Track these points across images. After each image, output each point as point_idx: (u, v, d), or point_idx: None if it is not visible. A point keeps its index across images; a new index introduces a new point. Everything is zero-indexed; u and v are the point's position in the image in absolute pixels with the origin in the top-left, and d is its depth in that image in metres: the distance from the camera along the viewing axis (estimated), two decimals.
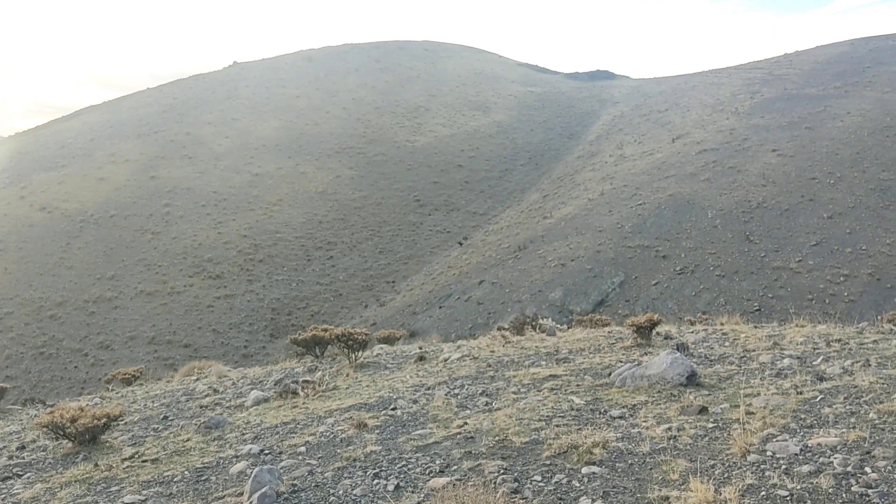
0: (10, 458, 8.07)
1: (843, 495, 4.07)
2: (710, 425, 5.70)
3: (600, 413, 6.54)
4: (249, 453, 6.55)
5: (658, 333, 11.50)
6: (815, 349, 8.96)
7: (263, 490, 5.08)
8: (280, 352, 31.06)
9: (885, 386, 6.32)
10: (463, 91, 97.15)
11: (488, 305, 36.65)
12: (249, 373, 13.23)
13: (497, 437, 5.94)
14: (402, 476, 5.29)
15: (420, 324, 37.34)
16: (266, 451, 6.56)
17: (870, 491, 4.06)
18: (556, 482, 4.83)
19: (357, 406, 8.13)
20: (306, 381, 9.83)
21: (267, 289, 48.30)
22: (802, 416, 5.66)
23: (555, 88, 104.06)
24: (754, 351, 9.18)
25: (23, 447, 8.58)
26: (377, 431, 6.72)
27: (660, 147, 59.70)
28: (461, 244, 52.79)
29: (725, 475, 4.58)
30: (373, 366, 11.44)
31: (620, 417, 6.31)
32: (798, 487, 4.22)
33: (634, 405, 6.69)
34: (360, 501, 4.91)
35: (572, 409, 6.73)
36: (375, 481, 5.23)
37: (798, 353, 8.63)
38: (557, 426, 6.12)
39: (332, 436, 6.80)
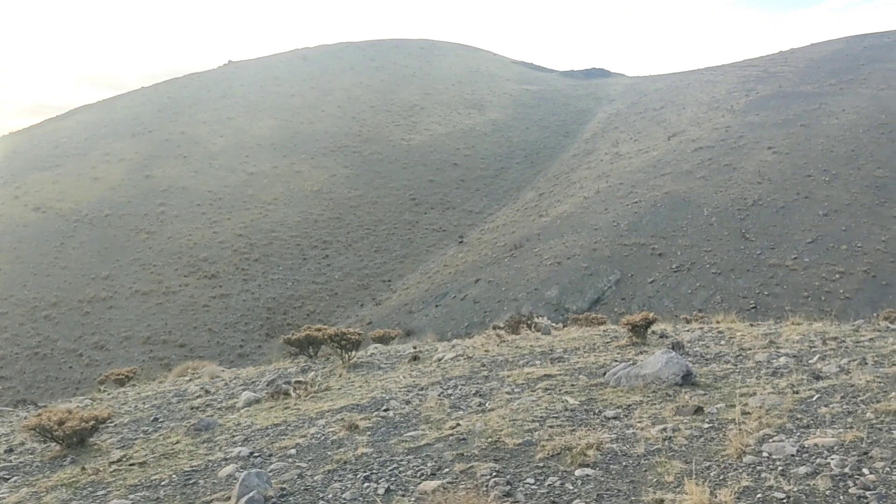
0: None
1: (841, 498, 4.00)
2: (706, 426, 5.62)
3: (595, 413, 6.46)
4: (239, 456, 6.45)
5: (653, 332, 11.42)
6: (811, 347, 8.89)
7: (251, 495, 4.98)
8: (276, 351, 30.98)
9: (882, 385, 6.26)
10: (458, 89, 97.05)
11: (484, 304, 36.58)
12: (242, 373, 13.13)
13: (490, 439, 5.85)
14: (392, 479, 5.20)
15: (416, 323, 37.26)
16: (256, 454, 6.47)
17: (868, 493, 3.98)
18: (549, 485, 4.74)
19: (349, 407, 8.04)
20: (298, 382, 9.73)
21: (262, 288, 48.17)
22: (799, 416, 5.59)
23: (550, 86, 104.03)
24: (750, 349, 9.11)
25: (10, 450, 8.46)
26: (369, 433, 6.63)
27: (655, 145, 59.70)
28: (462, 242, 52.65)
29: (721, 477, 4.50)
30: (366, 366, 11.35)
31: (615, 418, 6.22)
32: (795, 490, 4.14)
33: (629, 405, 6.61)
34: None
35: (566, 410, 6.65)
36: (366, 484, 5.14)
37: (794, 352, 8.57)
38: (551, 427, 6.03)
39: (323, 438, 6.71)
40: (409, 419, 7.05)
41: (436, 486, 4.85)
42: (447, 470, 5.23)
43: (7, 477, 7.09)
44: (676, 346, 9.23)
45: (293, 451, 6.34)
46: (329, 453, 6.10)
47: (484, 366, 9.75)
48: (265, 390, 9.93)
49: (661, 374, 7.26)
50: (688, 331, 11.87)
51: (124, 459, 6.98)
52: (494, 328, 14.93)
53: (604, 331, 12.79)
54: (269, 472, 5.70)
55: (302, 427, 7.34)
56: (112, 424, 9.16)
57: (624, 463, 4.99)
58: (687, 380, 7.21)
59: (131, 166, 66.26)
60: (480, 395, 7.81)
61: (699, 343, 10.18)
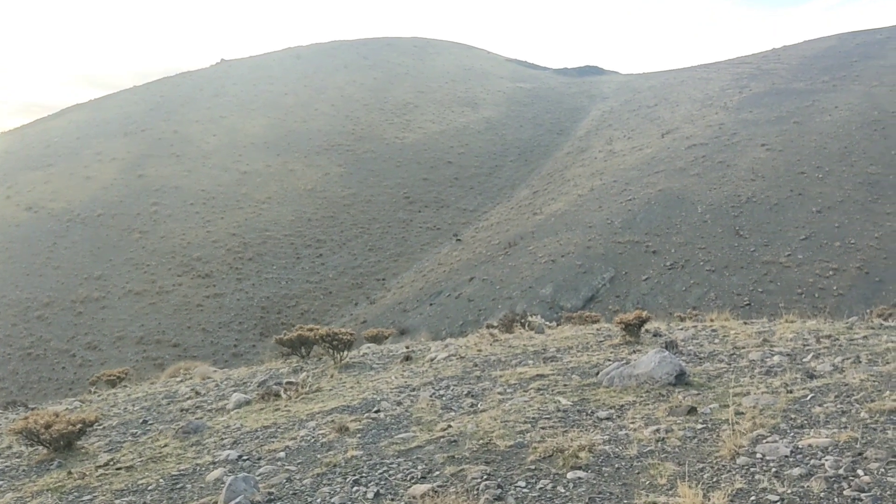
0: None
1: (836, 500, 3.94)
2: (699, 426, 5.57)
3: (587, 414, 6.39)
4: (227, 459, 6.37)
5: (647, 330, 11.38)
6: (804, 346, 8.85)
7: (238, 500, 4.90)
8: (270, 351, 30.84)
9: (877, 384, 6.21)
10: (452, 87, 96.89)
11: (479, 302, 36.52)
12: (234, 374, 13.02)
13: (481, 441, 5.78)
14: (382, 483, 5.13)
15: (410, 321, 37.18)
16: (244, 457, 6.38)
17: (862, 495, 3.93)
18: (540, 488, 4.68)
19: (340, 408, 7.96)
20: (290, 383, 9.64)
21: (256, 287, 47.99)
22: (793, 416, 5.53)
23: (544, 84, 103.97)
24: (744, 348, 9.07)
25: None
26: (359, 435, 6.55)
27: (649, 142, 59.73)
28: (459, 240, 52.55)
29: (714, 479, 4.44)
30: (358, 366, 11.27)
31: (608, 419, 6.16)
32: (789, 492, 4.08)
33: (622, 406, 6.55)
34: None
35: (559, 411, 6.59)
36: (355, 488, 5.06)
37: (788, 350, 8.53)
38: (543, 428, 5.97)
39: (312, 440, 6.63)
40: (400, 421, 6.97)
41: (426, 489, 4.78)
42: (438, 473, 5.16)
43: None
44: (670, 345, 9.18)
45: (282, 454, 6.26)
46: (318, 456, 6.02)
47: (476, 366, 9.69)
48: (256, 391, 9.84)
49: (655, 374, 7.20)
50: (681, 329, 11.82)
51: (111, 463, 6.89)
52: (488, 327, 14.88)
53: (597, 329, 12.74)
54: (258, 475, 5.62)
55: (292, 429, 7.25)
56: (101, 427, 9.05)
57: (616, 465, 4.93)
58: (680, 379, 7.16)
59: (124, 165, 65.93)
60: (472, 396, 7.74)
61: (693, 342, 10.14)
